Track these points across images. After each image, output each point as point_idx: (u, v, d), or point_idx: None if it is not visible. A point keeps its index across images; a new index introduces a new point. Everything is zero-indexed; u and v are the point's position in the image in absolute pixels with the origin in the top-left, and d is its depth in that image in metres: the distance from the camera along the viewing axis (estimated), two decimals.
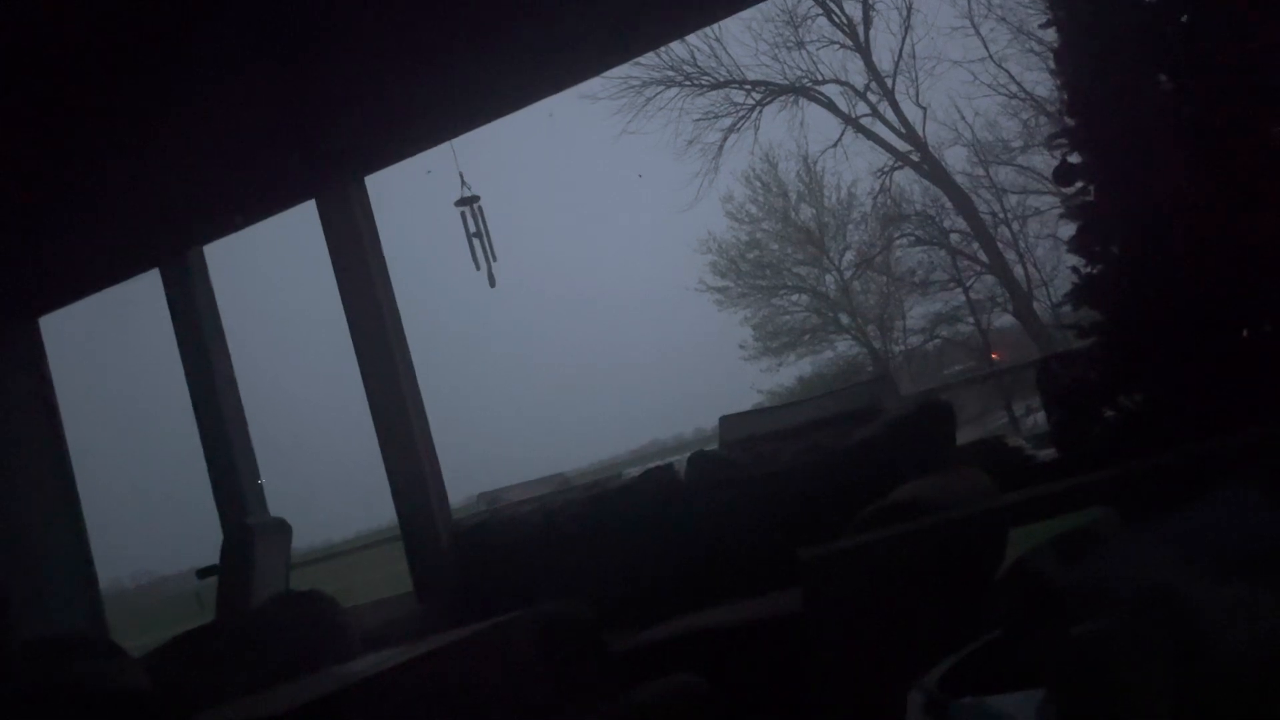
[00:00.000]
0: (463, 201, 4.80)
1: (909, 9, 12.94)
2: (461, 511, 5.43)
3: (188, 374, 5.10)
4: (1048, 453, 3.52)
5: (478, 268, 4.81)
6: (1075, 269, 2.99)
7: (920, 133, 13.44)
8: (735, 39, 13.25)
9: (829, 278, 14.71)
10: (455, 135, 4.66)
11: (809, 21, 13.32)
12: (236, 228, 5.08)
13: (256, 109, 4.71)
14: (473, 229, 4.82)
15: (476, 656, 2.73)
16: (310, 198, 4.71)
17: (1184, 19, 2.76)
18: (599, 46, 4.34)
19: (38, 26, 4.33)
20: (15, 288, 5.59)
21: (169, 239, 5.10)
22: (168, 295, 5.14)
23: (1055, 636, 0.94)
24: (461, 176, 4.77)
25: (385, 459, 4.56)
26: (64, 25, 4.36)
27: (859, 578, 2.29)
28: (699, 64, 13.46)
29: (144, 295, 5.32)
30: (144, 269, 5.28)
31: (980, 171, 13.56)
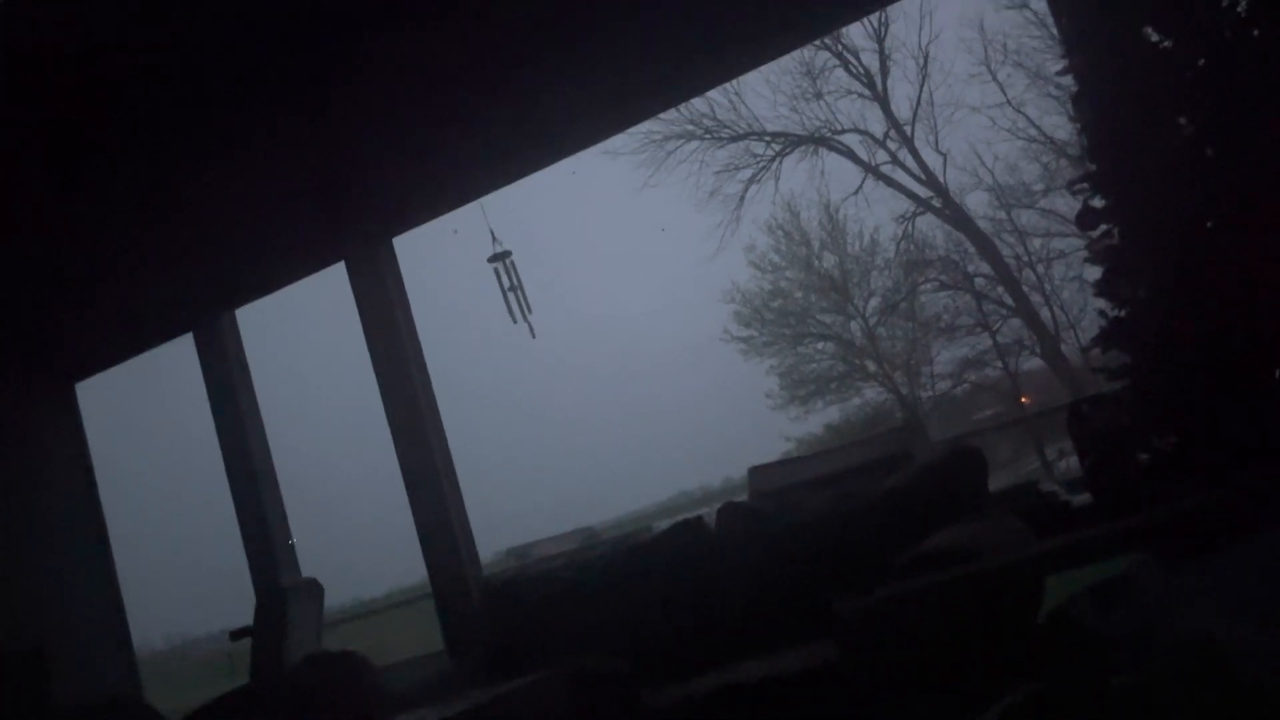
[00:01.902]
0: (495, 258, 4.86)
1: (925, 58, 13.01)
2: (491, 567, 5.42)
3: (220, 435, 5.14)
4: (1082, 497, 3.48)
5: (514, 321, 4.87)
6: (1103, 312, 2.98)
7: (941, 178, 13.46)
8: (754, 92, 13.33)
9: (854, 324, 14.65)
10: (480, 196, 4.73)
11: (826, 73, 13.42)
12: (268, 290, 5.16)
13: (285, 174, 4.80)
14: (507, 283, 4.88)
15: (511, 715, 2.71)
16: (340, 260, 4.79)
17: (1200, 63, 2.78)
18: (622, 106, 4.40)
19: (72, 102, 4.46)
20: (52, 354, 5.69)
21: (201, 304, 5.18)
22: (200, 358, 5.21)
23: (1095, 687, 0.93)
24: (493, 233, 4.84)
25: (415, 516, 4.57)
26: (97, 100, 4.49)
27: (895, 629, 2.27)
28: (718, 117, 13.58)
29: (178, 357, 5.40)
30: (178, 334, 5.36)
31: (1002, 215, 13.53)
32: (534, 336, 4.78)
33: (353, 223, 4.70)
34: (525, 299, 4.83)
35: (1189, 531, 1.96)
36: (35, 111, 4.50)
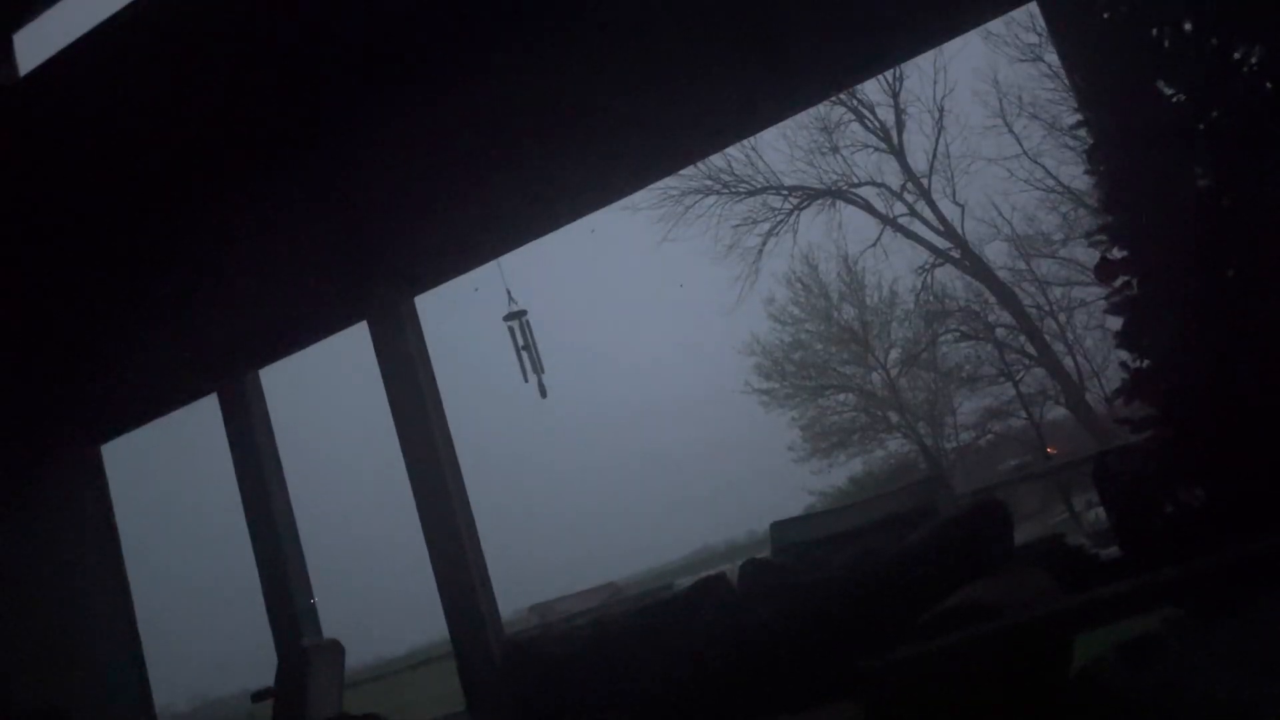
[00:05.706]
0: (510, 316, 4.92)
1: (941, 111, 13.12)
2: (513, 623, 5.38)
3: (243, 495, 5.16)
4: (1110, 551, 3.43)
5: (526, 379, 4.91)
6: (1124, 364, 2.97)
7: (959, 229, 13.49)
8: (771, 147, 13.46)
9: (875, 376, 14.60)
10: (501, 254, 4.78)
11: (842, 127, 13.55)
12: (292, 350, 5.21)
13: (309, 236, 4.88)
14: (521, 342, 4.93)
15: None
16: (362, 319, 4.83)
17: (1214, 115, 2.79)
18: (640, 165, 4.46)
19: (98, 168, 4.56)
20: (78, 416, 5.75)
21: (225, 365, 5.23)
22: (224, 419, 5.25)
23: None
24: (509, 292, 4.90)
25: (436, 574, 4.55)
26: (122, 167, 4.59)
27: (920, 688, 2.23)
28: (736, 172, 13.71)
29: (202, 417, 5.44)
30: (202, 395, 5.41)
31: (1022, 265, 13.52)
32: (543, 396, 4.83)
33: (375, 283, 4.76)
34: (538, 358, 4.89)
35: (1219, 588, 1.93)
36: (62, 178, 4.61)
